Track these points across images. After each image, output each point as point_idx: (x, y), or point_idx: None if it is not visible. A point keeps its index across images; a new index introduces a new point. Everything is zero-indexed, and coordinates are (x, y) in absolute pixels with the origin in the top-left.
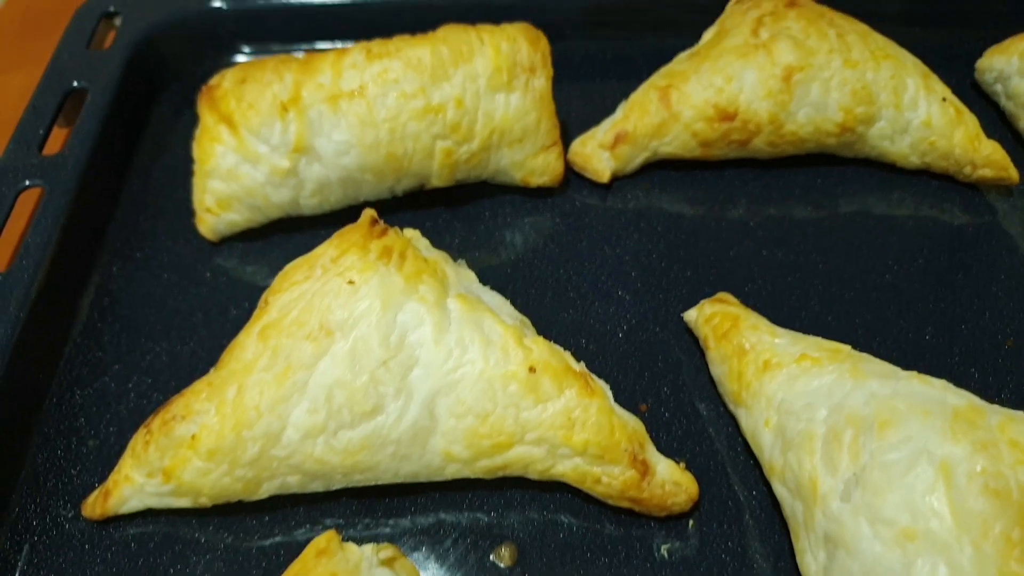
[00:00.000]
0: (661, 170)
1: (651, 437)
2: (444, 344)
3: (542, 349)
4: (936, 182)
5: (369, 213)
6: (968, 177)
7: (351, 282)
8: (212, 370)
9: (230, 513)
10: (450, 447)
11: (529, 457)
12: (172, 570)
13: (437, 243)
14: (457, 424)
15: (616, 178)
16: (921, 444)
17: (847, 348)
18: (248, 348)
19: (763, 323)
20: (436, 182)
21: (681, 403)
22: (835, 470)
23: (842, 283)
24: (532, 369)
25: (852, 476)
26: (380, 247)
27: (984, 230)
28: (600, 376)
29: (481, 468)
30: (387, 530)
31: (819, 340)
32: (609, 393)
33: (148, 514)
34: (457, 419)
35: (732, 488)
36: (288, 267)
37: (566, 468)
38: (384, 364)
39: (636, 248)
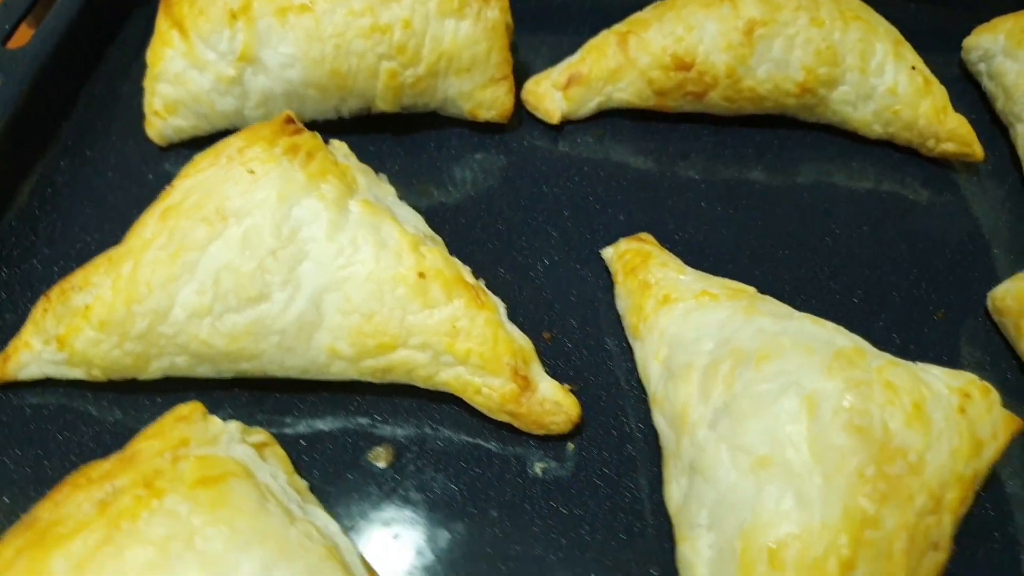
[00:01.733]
0: (615, 119)
1: (551, 364)
2: (336, 242)
3: (436, 258)
4: (899, 154)
5: (286, 113)
6: (931, 151)
7: (252, 172)
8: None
9: (124, 392)
10: (335, 343)
11: (413, 362)
12: (61, 436)
13: (378, 168)
14: (343, 321)
15: (568, 122)
16: (794, 378)
17: (751, 290)
18: (148, 227)
19: (674, 262)
20: (381, 105)
21: (587, 335)
22: (707, 399)
23: (779, 241)
24: (422, 275)
25: (722, 405)
26: (288, 144)
27: (942, 206)
28: (511, 304)
29: (367, 369)
30: (273, 422)
31: (726, 281)
32: (502, 310)
33: (48, 386)
34: (343, 316)
35: (620, 419)
36: (197, 156)
37: (449, 376)
38: (273, 253)
39: (576, 191)
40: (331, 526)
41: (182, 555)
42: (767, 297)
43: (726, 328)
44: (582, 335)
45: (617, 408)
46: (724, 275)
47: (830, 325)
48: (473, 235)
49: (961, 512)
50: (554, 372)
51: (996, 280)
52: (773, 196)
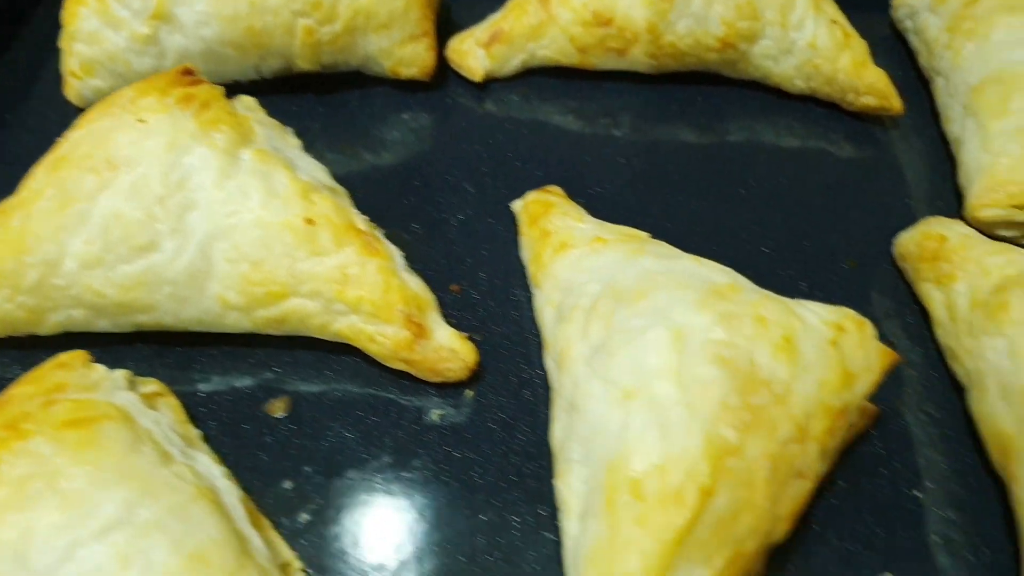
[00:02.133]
0: (541, 77)
1: (456, 315)
2: (225, 189)
3: (326, 205)
4: (822, 109)
5: (184, 65)
6: (852, 105)
7: (142, 120)
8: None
9: (25, 348)
10: (225, 292)
11: (305, 310)
12: None
13: (299, 127)
14: (231, 269)
15: (493, 80)
16: (665, 312)
17: (644, 235)
18: (38, 178)
19: (575, 212)
20: (302, 63)
21: (495, 287)
22: (587, 337)
23: (694, 195)
24: (310, 221)
25: (599, 342)
26: (182, 94)
27: (862, 160)
28: (420, 257)
29: (261, 319)
30: (175, 376)
31: (622, 228)
32: (399, 259)
33: None
34: (231, 264)
35: (520, 366)
36: (90, 107)
37: (343, 325)
38: (161, 201)
39: (497, 148)
40: (213, 470)
41: (41, 493)
42: (658, 241)
43: (611, 270)
44: (490, 287)
45: (519, 356)
46: (636, 228)
47: (713, 265)
48: (389, 191)
49: (829, 442)
50: (459, 323)
51: None
52: (696, 152)
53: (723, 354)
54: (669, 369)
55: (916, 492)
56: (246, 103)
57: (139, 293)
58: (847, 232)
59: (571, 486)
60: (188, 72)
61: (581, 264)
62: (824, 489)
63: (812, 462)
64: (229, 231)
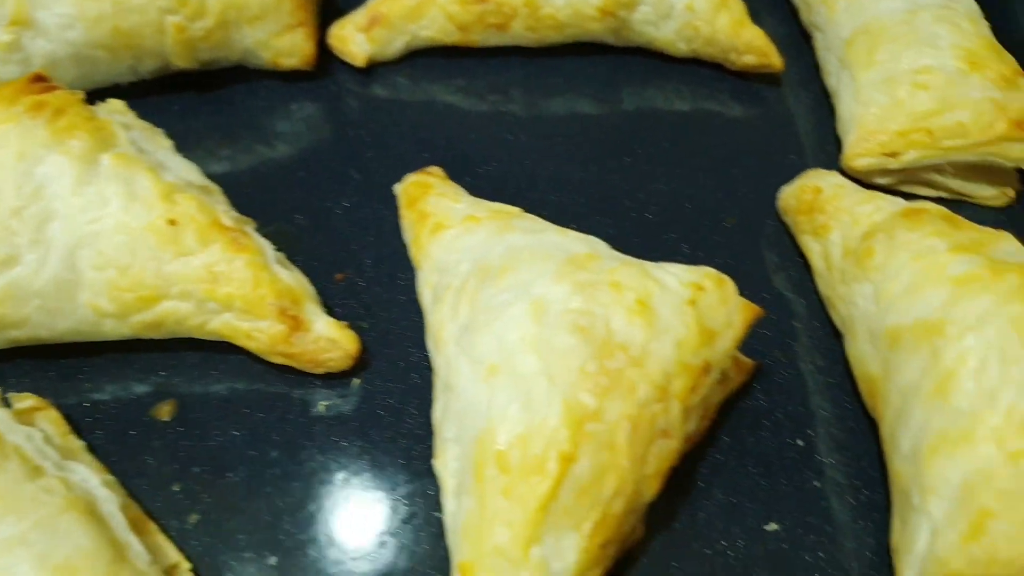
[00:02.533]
0: (429, 57)
1: (342, 303)
2: (83, 196)
3: (189, 204)
4: (708, 71)
5: (35, 72)
6: (735, 64)
7: None
8: None
9: None
10: (96, 300)
11: (179, 313)
12: None
13: (183, 127)
14: (99, 277)
15: (380, 64)
16: (526, 286)
17: (517, 210)
18: None
19: (453, 192)
20: (178, 62)
21: (381, 273)
22: (456, 317)
23: (580, 165)
24: (172, 222)
25: (467, 321)
26: (32, 102)
27: (748, 118)
28: (304, 249)
29: (138, 324)
30: (59, 389)
31: (495, 204)
32: (269, 252)
33: None
34: (98, 271)
35: (408, 350)
36: None
37: (219, 324)
38: (17, 213)
39: (384, 132)
40: (92, 480)
41: None
42: (530, 216)
43: (481, 249)
44: (376, 273)
45: (407, 340)
46: (521, 203)
47: (576, 235)
48: (274, 184)
49: (692, 400)
50: (345, 311)
51: None
52: (587, 122)
53: (579, 322)
54: (529, 342)
55: (799, 441)
56: (113, 107)
57: (6, 309)
58: (731, 191)
59: (447, 465)
60: (40, 79)
61: (455, 244)
62: (707, 445)
63: (676, 421)
64: (92, 238)
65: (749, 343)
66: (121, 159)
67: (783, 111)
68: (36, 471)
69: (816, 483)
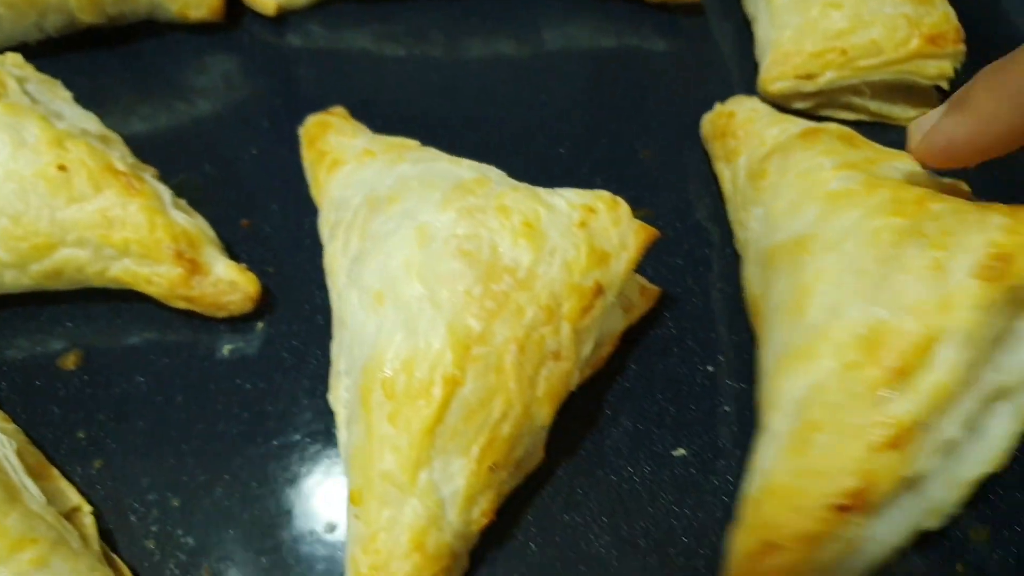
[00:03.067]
0: (343, 4)
1: (248, 249)
2: None
3: (79, 150)
4: (633, 6)
5: None
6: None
7: None
8: None
9: None
10: None
11: (77, 260)
12: None
13: (95, 84)
14: None
15: (289, 12)
16: (412, 213)
17: (415, 143)
18: None
19: (352, 129)
20: (84, 17)
21: (287, 218)
22: (347, 251)
23: (496, 106)
24: (62, 168)
25: (357, 252)
26: None
27: (670, 52)
28: (212, 198)
29: (38, 274)
30: None
31: (395, 138)
32: (166, 197)
33: None
34: None
35: (313, 292)
36: None
37: (118, 270)
38: None
39: (296, 81)
40: None
41: None
42: (426, 148)
43: (373, 181)
44: (282, 218)
45: (312, 283)
46: (436, 144)
47: (468, 163)
48: (183, 136)
49: (584, 322)
50: (251, 257)
51: None
52: (503, 63)
53: (465, 247)
54: (414, 268)
55: (709, 367)
56: (10, 60)
57: None
58: (644, 123)
59: (339, 397)
60: None
61: (350, 180)
62: (615, 373)
63: (567, 343)
64: None
65: (662, 272)
66: (9, 108)
67: (706, 42)
68: None
69: (726, 408)
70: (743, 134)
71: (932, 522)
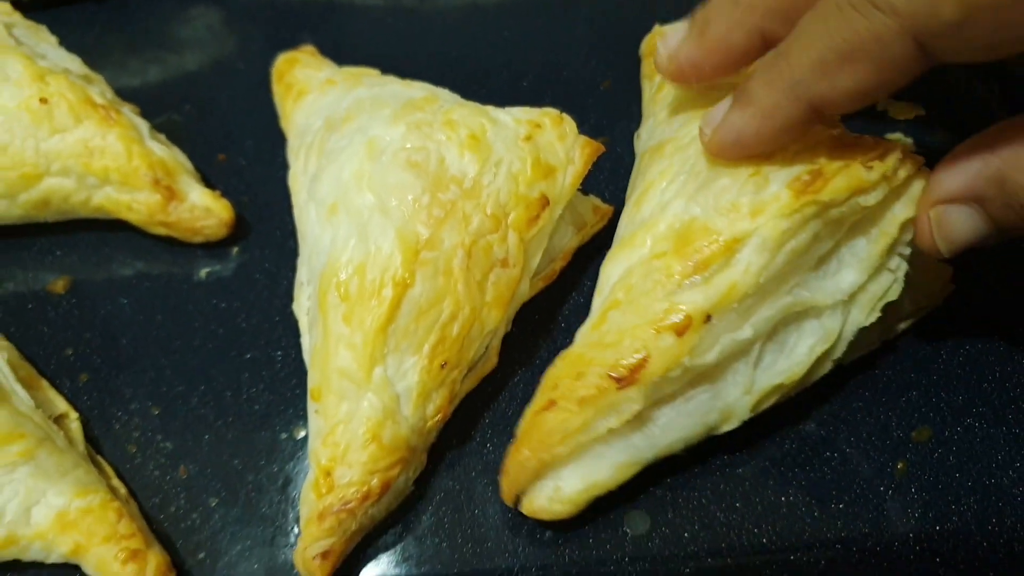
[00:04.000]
0: None
1: (225, 181)
2: None
3: (59, 84)
4: None
5: None
6: None
7: None
8: None
9: None
10: None
11: (63, 189)
12: None
13: (83, 36)
14: None
15: None
16: (364, 129)
17: (375, 71)
18: None
19: (317, 62)
20: None
21: (262, 152)
22: (307, 171)
23: (460, 46)
24: (44, 100)
25: (314, 171)
26: None
27: None
28: (190, 136)
29: (27, 203)
30: None
31: (356, 68)
32: (144, 129)
33: None
34: None
35: (285, 219)
36: None
37: (101, 199)
38: None
39: (279, 28)
40: None
41: None
42: (386, 77)
43: (332, 106)
44: (257, 152)
45: (283, 211)
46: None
47: (420, 84)
48: (166, 80)
49: (531, 231)
50: (228, 188)
51: None
52: (474, 8)
53: (413, 158)
54: (364, 179)
55: None
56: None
57: None
58: (605, 57)
59: (302, 306)
60: None
61: (312, 107)
62: (570, 289)
63: (515, 251)
64: None
65: (618, 195)
66: None
67: None
68: None
69: None
70: None
71: (725, 423)
